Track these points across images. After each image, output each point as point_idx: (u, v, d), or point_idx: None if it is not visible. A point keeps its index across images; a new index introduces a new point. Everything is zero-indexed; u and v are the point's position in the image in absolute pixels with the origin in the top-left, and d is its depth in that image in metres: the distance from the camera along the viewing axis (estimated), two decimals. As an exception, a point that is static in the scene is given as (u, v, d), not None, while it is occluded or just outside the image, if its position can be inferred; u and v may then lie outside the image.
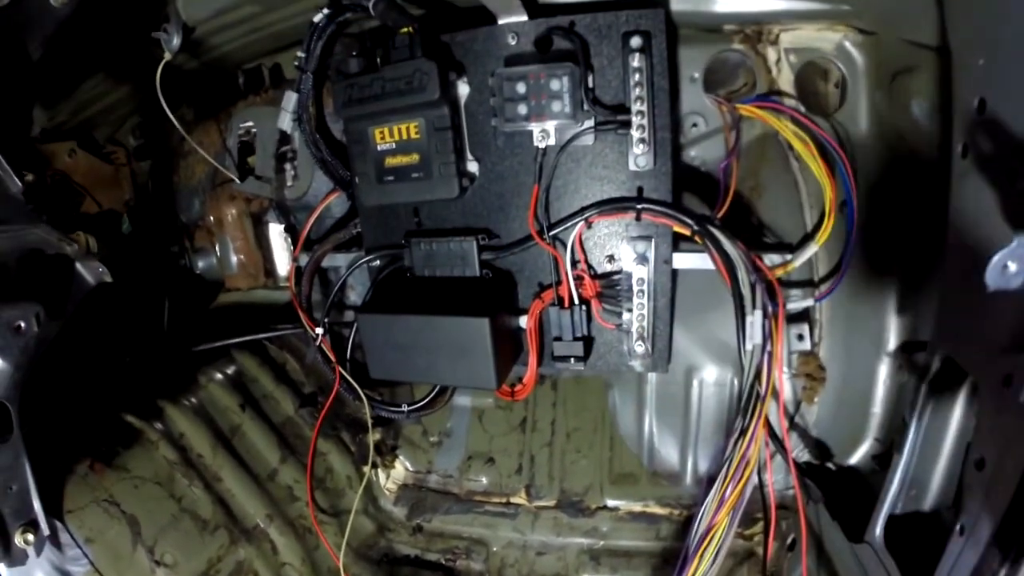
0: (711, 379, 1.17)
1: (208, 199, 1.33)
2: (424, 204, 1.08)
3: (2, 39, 0.97)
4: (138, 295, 1.37)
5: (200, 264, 1.36)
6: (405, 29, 1.00)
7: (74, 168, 1.43)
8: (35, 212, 1.02)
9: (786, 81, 1.12)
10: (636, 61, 0.95)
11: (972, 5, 0.70)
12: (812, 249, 1.06)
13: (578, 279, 1.02)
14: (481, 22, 1.01)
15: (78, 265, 1.01)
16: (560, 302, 1.03)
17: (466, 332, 0.98)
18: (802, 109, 1.09)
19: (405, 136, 1.00)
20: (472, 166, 1.03)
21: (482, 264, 1.04)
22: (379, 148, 1.02)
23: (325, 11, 1.06)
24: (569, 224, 1.00)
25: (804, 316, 1.11)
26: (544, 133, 0.98)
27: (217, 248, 1.34)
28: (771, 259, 1.07)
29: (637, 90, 0.95)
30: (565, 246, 1.01)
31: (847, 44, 1.10)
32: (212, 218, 1.32)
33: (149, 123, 1.43)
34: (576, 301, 1.02)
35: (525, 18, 0.98)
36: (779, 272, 1.06)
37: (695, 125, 1.10)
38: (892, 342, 1.11)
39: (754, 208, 1.11)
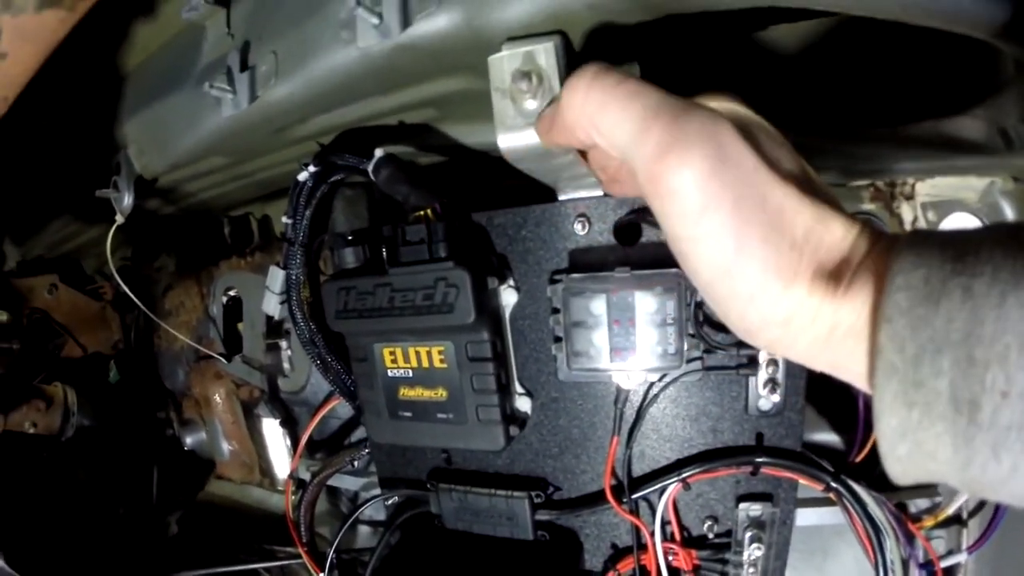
0: (825, 637, 0.72)
1: (192, 372, 0.86)
2: (455, 445, 0.59)
3: None
4: (126, 455, 0.90)
5: (188, 440, 0.87)
6: (420, 212, 0.52)
7: (55, 306, 0.94)
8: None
9: (920, 245, 0.65)
10: (769, 267, 0.47)
11: None
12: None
13: (668, 548, 0.56)
14: (533, 192, 0.53)
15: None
16: (643, 577, 0.57)
17: (519, 639, 0.51)
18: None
19: (426, 363, 0.52)
20: (522, 403, 0.53)
21: (536, 525, 0.56)
22: (390, 374, 0.53)
23: (311, 169, 0.57)
24: (660, 485, 0.52)
25: (950, 570, 0.66)
26: (630, 375, 0.51)
27: (206, 426, 0.88)
28: (916, 504, 0.61)
29: (770, 310, 0.48)
30: (653, 512, 0.54)
31: (995, 193, 0.62)
32: (198, 392, 0.85)
33: (129, 270, 0.94)
34: (665, 578, 0.56)
35: (600, 192, 0.49)
36: (928, 523, 0.60)
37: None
38: (1043, 574, 0.66)
39: (888, 424, 0.64)
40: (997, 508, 0.59)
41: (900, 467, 0.24)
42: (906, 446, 0.23)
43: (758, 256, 0.26)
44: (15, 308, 0.91)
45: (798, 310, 0.26)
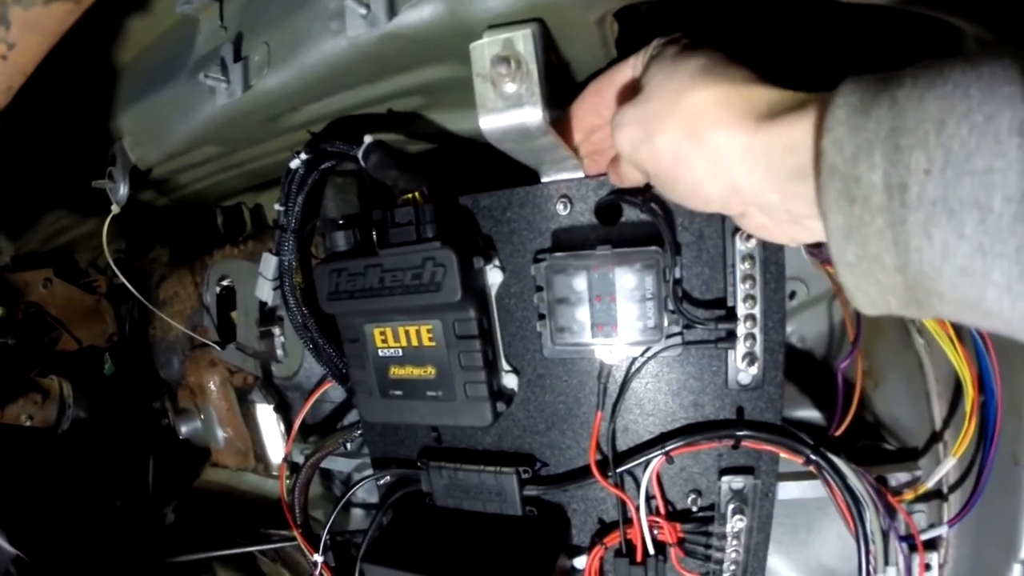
0: (810, 611, 0.74)
1: (187, 360, 0.89)
2: (444, 423, 0.63)
3: None
4: (121, 446, 0.93)
5: (183, 429, 0.90)
6: (409, 195, 0.55)
7: (50, 300, 0.97)
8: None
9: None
10: (744, 244, 0.50)
11: None
12: (948, 464, 0.62)
13: (653, 522, 0.59)
14: (518, 175, 0.56)
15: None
16: (629, 550, 0.60)
17: (509, 610, 0.54)
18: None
19: (415, 342, 0.55)
20: (509, 380, 0.57)
21: (525, 500, 0.60)
22: (380, 353, 0.57)
23: (303, 157, 0.60)
24: (643, 459, 0.56)
25: (932, 542, 0.69)
26: (612, 350, 0.54)
27: (201, 414, 0.91)
28: (896, 477, 0.64)
29: (746, 285, 0.51)
30: (638, 485, 0.57)
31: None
32: (193, 380, 0.88)
33: (124, 261, 0.97)
34: (650, 551, 0.59)
35: (581, 174, 0.52)
36: (908, 496, 0.63)
37: (793, 294, 0.66)
38: (1026, 549, 0.69)
39: (869, 401, 0.67)
40: (978, 482, 0.62)
41: (852, 278, 0.28)
42: (853, 248, 0.27)
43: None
44: (10, 302, 0.94)
45: (730, 142, 0.32)
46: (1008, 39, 0.47)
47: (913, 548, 0.60)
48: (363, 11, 0.44)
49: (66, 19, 0.41)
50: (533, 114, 0.40)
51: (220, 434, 0.86)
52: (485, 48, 0.41)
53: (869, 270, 0.27)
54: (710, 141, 0.33)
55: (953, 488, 0.65)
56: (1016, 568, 0.66)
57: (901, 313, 0.28)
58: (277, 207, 0.63)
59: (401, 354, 0.55)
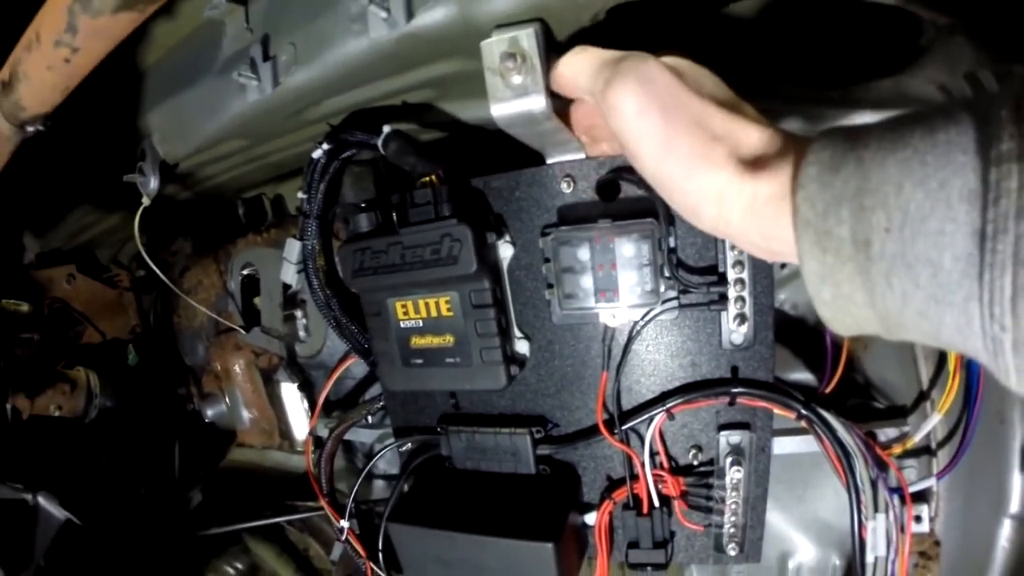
0: (809, 562, 0.78)
1: (212, 346, 0.97)
2: (463, 389, 0.70)
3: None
4: (148, 433, 1.01)
5: (209, 412, 0.98)
6: (426, 178, 0.63)
7: (73, 295, 1.05)
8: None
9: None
10: (733, 214, 0.57)
11: None
12: (934, 420, 0.69)
13: (657, 476, 0.66)
14: (524, 158, 0.64)
15: (41, 502, 0.67)
16: (636, 503, 0.67)
17: (526, 558, 0.61)
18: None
19: (434, 313, 0.63)
20: (522, 346, 0.65)
21: (538, 459, 0.67)
22: (402, 325, 0.64)
23: (325, 147, 0.68)
24: (647, 416, 0.63)
25: (922, 495, 0.76)
26: (615, 314, 0.61)
27: (227, 397, 0.99)
28: (886, 433, 0.71)
29: (735, 252, 0.58)
30: (642, 441, 0.64)
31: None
32: (218, 366, 0.96)
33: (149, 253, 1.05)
34: (656, 503, 0.67)
35: (582, 155, 0.60)
36: (896, 450, 0.70)
37: (785, 264, 0.73)
38: (1015, 503, 0.76)
39: (859, 363, 0.74)
40: (963, 438, 0.69)
41: (829, 312, 0.33)
42: (828, 289, 0.32)
43: (684, 144, 0.38)
44: (36, 298, 1.02)
45: (727, 187, 0.36)
46: (965, 25, 0.54)
47: (903, 500, 0.68)
48: (384, 15, 0.52)
49: (129, 27, 0.48)
50: (538, 102, 0.47)
51: (246, 415, 0.94)
52: (494, 46, 0.48)
53: (844, 306, 0.32)
54: (707, 184, 0.37)
55: (941, 444, 0.72)
56: (1005, 523, 0.74)
57: (876, 335, 0.34)
58: (300, 195, 0.71)
59: (422, 325, 0.63)
